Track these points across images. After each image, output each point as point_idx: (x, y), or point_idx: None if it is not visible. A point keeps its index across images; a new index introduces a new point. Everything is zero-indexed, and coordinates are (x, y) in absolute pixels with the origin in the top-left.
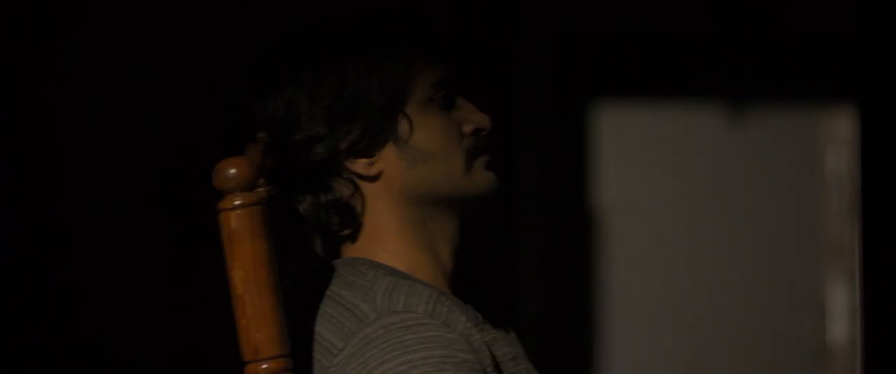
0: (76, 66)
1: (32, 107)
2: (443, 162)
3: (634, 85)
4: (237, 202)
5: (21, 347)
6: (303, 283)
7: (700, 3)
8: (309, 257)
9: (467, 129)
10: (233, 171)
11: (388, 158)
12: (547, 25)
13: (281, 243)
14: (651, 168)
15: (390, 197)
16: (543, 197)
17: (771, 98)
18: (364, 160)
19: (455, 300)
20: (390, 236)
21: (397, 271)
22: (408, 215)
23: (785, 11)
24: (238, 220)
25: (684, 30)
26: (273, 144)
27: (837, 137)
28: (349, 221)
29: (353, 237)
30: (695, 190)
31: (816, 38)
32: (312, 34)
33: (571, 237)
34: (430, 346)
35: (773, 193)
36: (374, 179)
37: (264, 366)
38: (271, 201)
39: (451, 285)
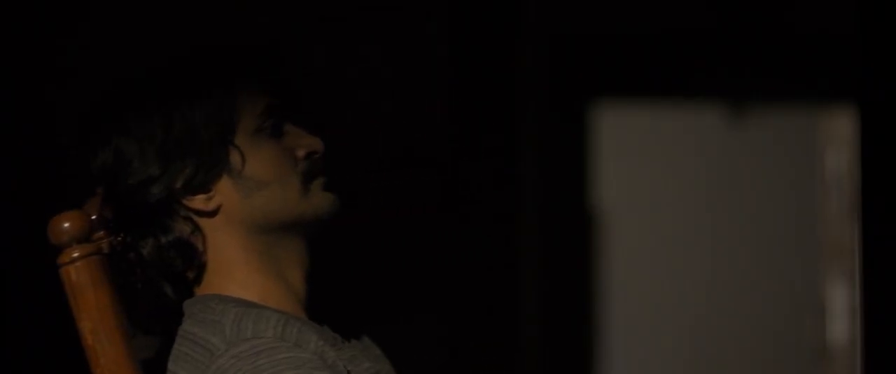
0: (76, 66)
1: (32, 107)
2: (279, 188)
3: (634, 85)
4: (75, 255)
5: (21, 347)
6: (155, 327)
7: (700, 3)
8: (160, 302)
9: (300, 153)
10: (66, 224)
11: (224, 191)
12: (547, 25)
13: (130, 290)
14: (651, 168)
15: (232, 229)
16: (543, 197)
17: (771, 98)
18: (201, 196)
19: (307, 322)
20: (237, 268)
21: (247, 302)
22: (252, 244)
23: (785, 11)
24: (78, 272)
25: (684, 30)
26: (108, 193)
27: (837, 137)
28: (192, 259)
29: (201, 275)
30: (695, 190)
31: (816, 38)
32: (132, 81)
33: (571, 237)
34: (284, 368)
35: (773, 193)
36: (213, 213)
37: None
38: (114, 250)
39: (306, 307)
